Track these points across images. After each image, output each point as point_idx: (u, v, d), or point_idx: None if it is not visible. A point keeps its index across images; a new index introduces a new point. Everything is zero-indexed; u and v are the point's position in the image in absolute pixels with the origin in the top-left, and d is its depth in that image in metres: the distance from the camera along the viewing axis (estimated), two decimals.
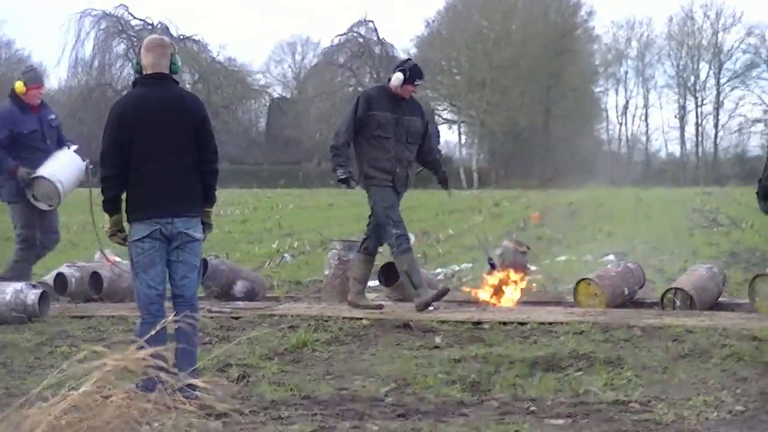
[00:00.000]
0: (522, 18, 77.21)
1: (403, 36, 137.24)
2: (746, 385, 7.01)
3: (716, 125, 78.20)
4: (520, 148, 76.42)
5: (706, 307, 10.95)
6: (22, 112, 11.19)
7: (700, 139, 78.80)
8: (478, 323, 9.91)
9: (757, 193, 7.88)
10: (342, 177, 10.64)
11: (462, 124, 79.34)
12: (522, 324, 9.78)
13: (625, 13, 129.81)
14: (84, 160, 11.29)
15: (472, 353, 8.33)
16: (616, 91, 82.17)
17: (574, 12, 79.09)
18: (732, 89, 78.23)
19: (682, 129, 79.88)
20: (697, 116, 78.47)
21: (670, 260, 15.60)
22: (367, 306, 10.79)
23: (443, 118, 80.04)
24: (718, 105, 77.95)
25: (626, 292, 11.22)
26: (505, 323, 9.85)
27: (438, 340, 9.17)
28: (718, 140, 77.82)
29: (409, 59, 11.31)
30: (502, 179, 72.90)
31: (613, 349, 8.39)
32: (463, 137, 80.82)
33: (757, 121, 77.02)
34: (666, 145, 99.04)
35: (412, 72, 10.83)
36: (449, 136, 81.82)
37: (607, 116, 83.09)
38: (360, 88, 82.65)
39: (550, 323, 9.74)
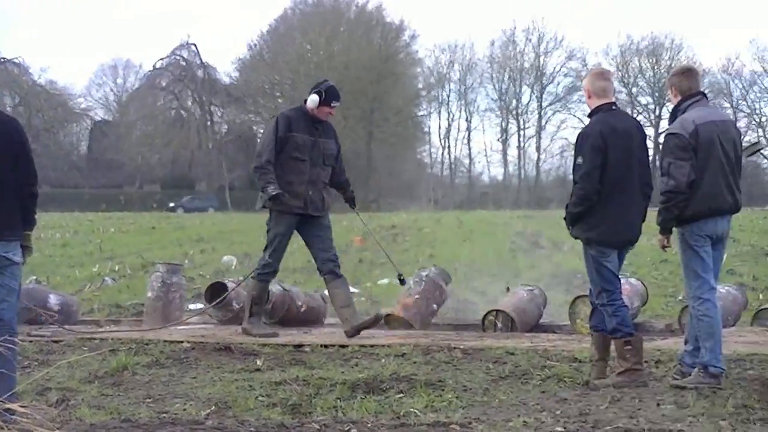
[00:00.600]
0: (345, 41, 77.76)
1: (226, 59, 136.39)
2: (566, 405, 7.16)
3: (538, 148, 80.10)
4: None
5: (527, 328, 11.18)
6: None
7: (522, 162, 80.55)
8: (299, 346, 9.91)
9: (564, 218, 8.08)
10: (274, 193, 10.38)
11: None
12: (343, 347, 9.82)
13: (447, 37, 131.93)
14: None
15: (293, 376, 8.31)
16: (439, 114, 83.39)
17: (396, 36, 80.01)
18: (554, 113, 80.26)
19: (504, 152, 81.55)
20: (519, 139, 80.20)
21: (491, 282, 15.88)
22: (367, 321, 10.55)
23: None
24: (540, 128, 79.86)
25: (435, 308, 11.49)
26: (326, 346, 9.88)
27: (259, 362, 9.13)
28: (541, 163, 79.73)
29: (325, 80, 11.09)
30: None
31: (435, 371, 8.47)
32: None
33: None
34: (489, 168, 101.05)
35: (328, 93, 10.72)
36: None
37: (430, 139, 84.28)
38: (183, 111, 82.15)
39: (372, 345, 9.81)
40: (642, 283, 12.07)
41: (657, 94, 74.59)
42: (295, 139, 10.60)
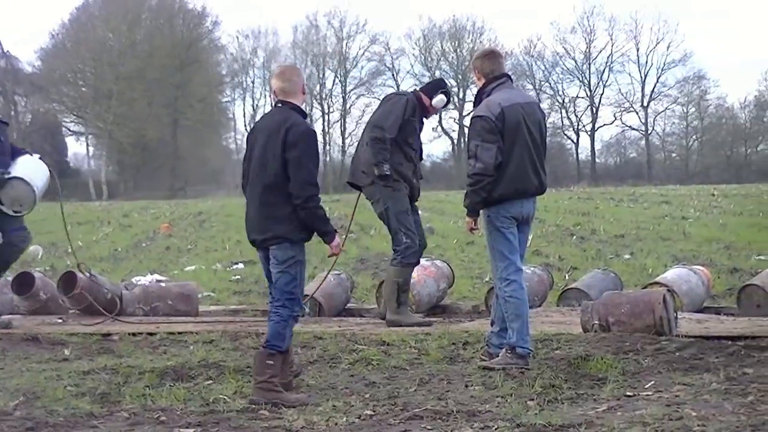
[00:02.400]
0: (147, 28, 76.69)
1: (28, 48, 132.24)
2: (375, 389, 7.18)
3: (343, 132, 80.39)
4: (149, 159, 75.70)
5: (335, 313, 11.19)
6: None
7: (328, 147, 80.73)
8: (107, 335, 9.68)
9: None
10: (386, 172, 10.08)
11: (90, 136, 77.62)
12: (151, 334, 9.64)
13: (250, 23, 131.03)
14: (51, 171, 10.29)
15: (101, 365, 8.12)
16: (243, 100, 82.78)
17: (199, 22, 79.19)
18: (358, 97, 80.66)
19: None
20: (324, 124, 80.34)
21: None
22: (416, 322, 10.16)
23: (71, 131, 78.18)
24: (344, 112, 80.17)
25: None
26: (134, 334, 9.67)
27: (67, 352, 8.90)
28: (346, 147, 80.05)
29: (443, 80, 11.01)
30: (132, 190, 71.88)
31: (243, 357, 8.40)
32: (92, 149, 79.19)
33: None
34: None
35: (448, 96, 10.65)
36: (77, 148, 79.82)
37: (236, 126, 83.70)
38: None
39: (180, 333, 9.65)
40: (448, 265, 12.21)
41: (460, 77, 75.82)
42: (414, 125, 10.41)
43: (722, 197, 36.01)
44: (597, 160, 78.94)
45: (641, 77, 77.12)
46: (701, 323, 9.59)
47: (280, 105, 7.15)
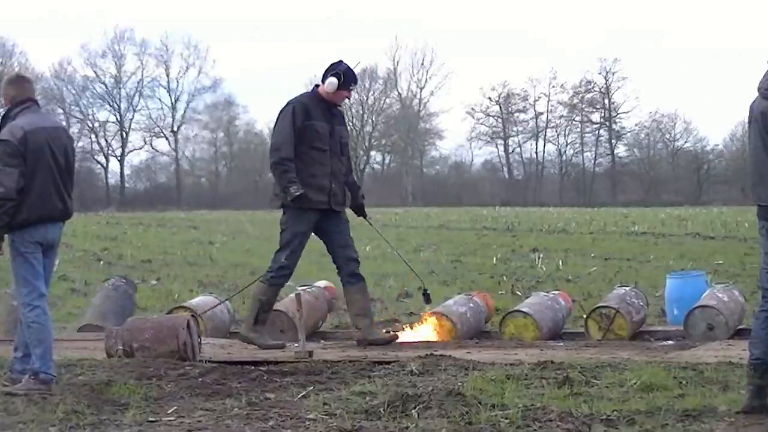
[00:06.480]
0: None
1: None
2: None
3: None
4: None
5: None
6: None
7: None
8: None
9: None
10: (297, 193, 9.45)
11: None
12: None
13: None
14: None
15: None
16: None
17: None
18: None
19: None
20: None
21: None
22: (381, 338, 9.78)
23: None
24: None
25: None
26: None
27: None
28: None
29: (340, 61, 9.88)
30: None
31: None
32: None
33: None
34: None
35: (347, 76, 9.67)
36: None
37: None
38: None
39: None
40: None
41: None
42: (315, 128, 9.62)
43: (250, 222, 37.03)
44: (127, 184, 78.89)
45: (171, 102, 77.88)
46: (225, 348, 9.84)
47: None
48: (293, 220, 9.80)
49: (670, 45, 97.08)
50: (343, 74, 9.76)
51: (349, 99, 10.26)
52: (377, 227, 11.10)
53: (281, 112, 9.90)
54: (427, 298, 10.44)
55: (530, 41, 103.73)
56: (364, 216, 10.36)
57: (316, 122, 9.73)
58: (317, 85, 9.98)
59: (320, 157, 9.74)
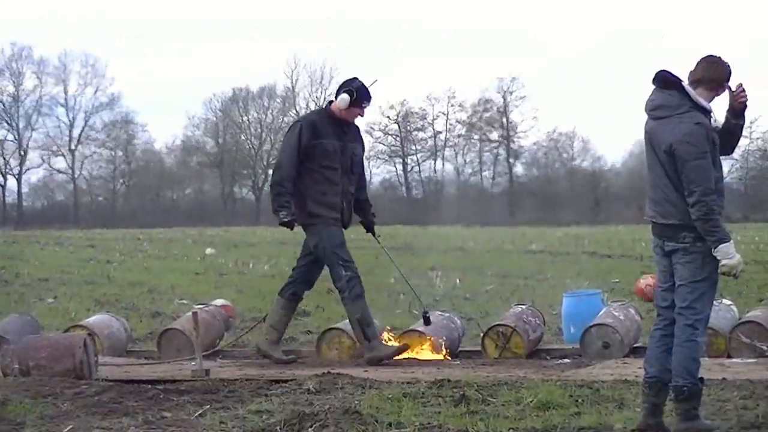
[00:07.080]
0: None
1: None
2: None
3: None
4: None
5: None
6: None
7: None
8: None
9: None
10: (285, 220, 9.48)
11: None
12: None
13: None
14: None
15: None
16: None
17: None
18: None
19: None
20: None
21: None
22: (280, 359, 9.72)
23: None
24: None
25: None
26: None
27: None
28: None
29: (354, 78, 9.77)
30: None
31: None
32: None
33: None
34: None
35: (360, 93, 9.49)
36: None
37: None
38: None
39: None
40: None
41: None
42: (324, 146, 9.50)
43: (148, 241, 36.71)
44: (24, 203, 77.53)
45: (69, 120, 76.91)
46: (122, 367, 9.78)
47: None
48: (325, 237, 9.74)
49: (670, 45, 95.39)
50: (356, 91, 9.69)
51: (362, 116, 9.99)
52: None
53: (289, 129, 10.03)
54: (427, 321, 10.19)
55: (530, 41, 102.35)
56: (373, 233, 10.38)
57: (325, 140, 9.67)
58: (330, 102, 9.96)
59: (331, 175, 9.70)
